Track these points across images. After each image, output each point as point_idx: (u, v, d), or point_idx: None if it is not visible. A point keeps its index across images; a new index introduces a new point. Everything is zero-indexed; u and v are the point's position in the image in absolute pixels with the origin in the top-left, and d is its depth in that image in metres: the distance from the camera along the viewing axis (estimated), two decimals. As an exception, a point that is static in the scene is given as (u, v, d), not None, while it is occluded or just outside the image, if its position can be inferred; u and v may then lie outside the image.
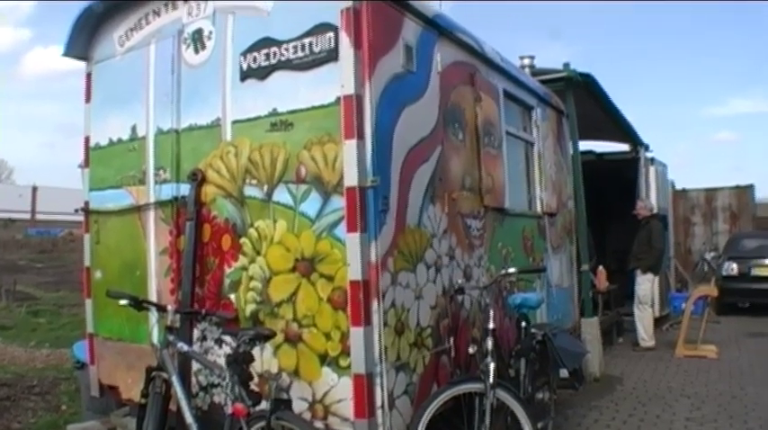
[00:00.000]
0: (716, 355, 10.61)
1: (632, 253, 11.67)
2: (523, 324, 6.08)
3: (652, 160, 14.09)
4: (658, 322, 12.77)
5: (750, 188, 21.84)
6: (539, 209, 8.11)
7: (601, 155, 14.37)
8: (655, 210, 12.60)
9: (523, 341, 5.99)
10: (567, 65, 9.52)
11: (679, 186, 21.37)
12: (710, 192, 21.94)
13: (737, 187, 21.86)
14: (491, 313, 5.34)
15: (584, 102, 9.86)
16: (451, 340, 5.61)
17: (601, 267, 11.62)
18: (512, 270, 6.09)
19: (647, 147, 13.88)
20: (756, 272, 15.53)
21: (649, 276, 11.51)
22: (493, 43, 7.05)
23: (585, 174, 9.78)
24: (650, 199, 13.19)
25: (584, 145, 12.07)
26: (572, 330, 8.61)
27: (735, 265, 15.67)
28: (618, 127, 12.65)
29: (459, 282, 5.73)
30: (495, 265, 6.46)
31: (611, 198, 12.91)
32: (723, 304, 14.93)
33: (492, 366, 5.04)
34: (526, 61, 9.54)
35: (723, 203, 21.71)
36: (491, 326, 5.27)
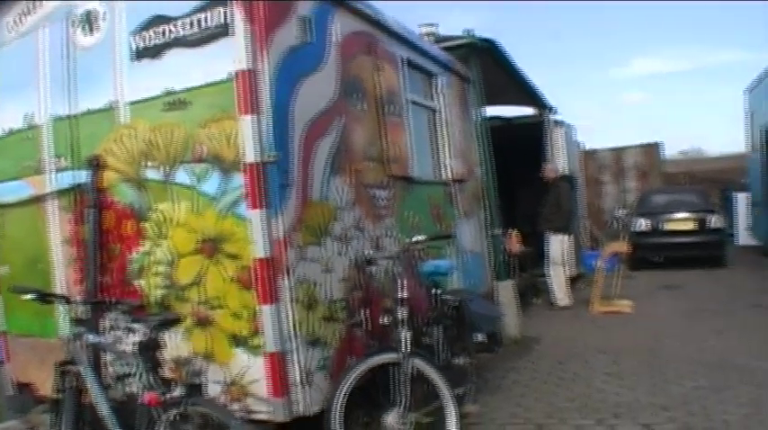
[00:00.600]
0: (631, 310, 10.90)
1: (542, 215, 11.87)
2: (437, 291, 6.11)
3: (558, 122, 14.22)
4: (574, 281, 13.02)
5: (657, 145, 22.37)
6: (447, 176, 8.15)
7: (510, 119, 14.46)
8: (562, 172, 12.80)
9: (437, 308, 6.03)
10: (469, 31, 9.52)
11: (592, 148, 21.75)
12: (619, 152, 22.42)
13: (645, 145, 22.35)
14: (402, 282, 5.33)
15: (489, 68, 9.87)
16: (365, 312, 5.61)
17: (512, 230, 11.73)
18: (420, 238, 6.09)
19: (551, 110, 13.96)
20: (667, 226, 15.99)
21: (560, 237, 11.74)
22: (398, 13, 7.05)
23: (495, 139, 9.83)
24: (558, 161, 13.35)
25: (493, 110, 12.15)
26: (486, 294, 8.70)
27: (646, 221, 16.08)
28: (523, 91, 12.72)
29: (369, 252, 5.74)
30: (404, 234, 6.45)
31: (521, 162, 13.01)
32: (636, 259, 15.35)
33: (406, 335, 5.04)
34: (427, 29, 9.50)
35: (631, 162, 22.20)
36: (403, 295, 5.27)
